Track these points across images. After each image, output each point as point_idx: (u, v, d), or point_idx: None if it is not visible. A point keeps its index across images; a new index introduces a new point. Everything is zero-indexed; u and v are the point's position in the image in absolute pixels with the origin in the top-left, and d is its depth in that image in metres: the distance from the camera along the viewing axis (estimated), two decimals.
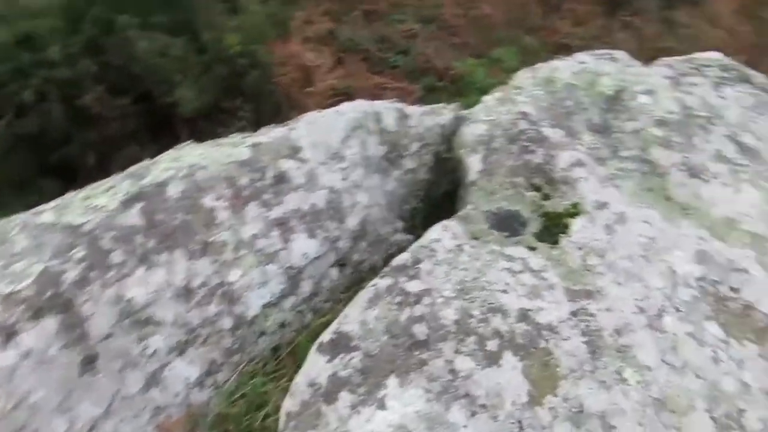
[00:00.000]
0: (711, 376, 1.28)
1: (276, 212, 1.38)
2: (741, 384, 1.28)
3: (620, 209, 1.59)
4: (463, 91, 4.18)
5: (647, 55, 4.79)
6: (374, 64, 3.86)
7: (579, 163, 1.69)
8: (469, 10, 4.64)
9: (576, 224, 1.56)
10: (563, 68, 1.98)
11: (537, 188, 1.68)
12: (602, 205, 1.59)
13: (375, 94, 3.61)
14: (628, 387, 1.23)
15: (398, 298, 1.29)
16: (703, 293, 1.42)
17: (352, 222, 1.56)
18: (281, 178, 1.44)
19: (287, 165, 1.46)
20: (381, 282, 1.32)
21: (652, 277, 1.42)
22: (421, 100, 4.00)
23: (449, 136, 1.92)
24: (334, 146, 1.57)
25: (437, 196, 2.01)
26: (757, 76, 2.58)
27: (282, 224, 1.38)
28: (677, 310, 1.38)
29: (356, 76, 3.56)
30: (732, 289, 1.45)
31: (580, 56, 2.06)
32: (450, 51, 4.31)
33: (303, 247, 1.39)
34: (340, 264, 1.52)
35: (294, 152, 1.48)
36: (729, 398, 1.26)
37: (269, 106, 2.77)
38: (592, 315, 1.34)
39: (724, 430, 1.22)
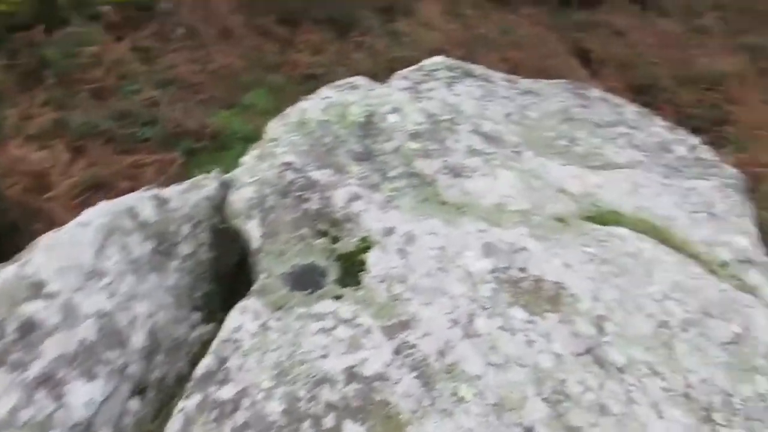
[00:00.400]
0: (530, 360, 1.34)
1: (34, 370, 1.13)
2: (555, 356, 1.36)
3: (406, 229, 1.60)
4: (226, 144, 4.03)
5: (384, 67, 5.12)
6: (121, 143, 3.53)
7: (355, 197, 1.67)
8: (205, 65, 4.50)
9: (371, 258, 1.54)
10: (311, 108, 1.96)
11: (324, 233, 1.63)
12: (389, 231, 1.59)
13: (132, 175, 3.30)
14: (467, 404, 1.23)
15: (214, 413, 1.13)
16: (499, 283, 1.49)
17: (138, 339, 1.35)
18: (28, 328, 1.18)
19: (32, 308, 1.20)
20: (188, 403, 1.15)
21: (453, 286, 1.45)
22: (185, 166, 3.77)
23: (220, 205, 1.78)
24: (88, 264, 1.34)
25: (229, 269, 1.87)
26: (477, 69, 2.87)
27: (47, 381, 1.13)
28: (483, 308, 1.42)
29: (103, 163, 3.21)
30: (520, 269, 1.54)
31: (324, 92, 2.06)
32: (199, 109, 4.13)
33: (83, 395, 1.16)
34: (139, 391, 1.30)
35: (36, 290, 1.23)
36: (550, 374, 1.33)
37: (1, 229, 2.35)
38: (413, 346, 1.32)
39: (555, 406, 1.27)
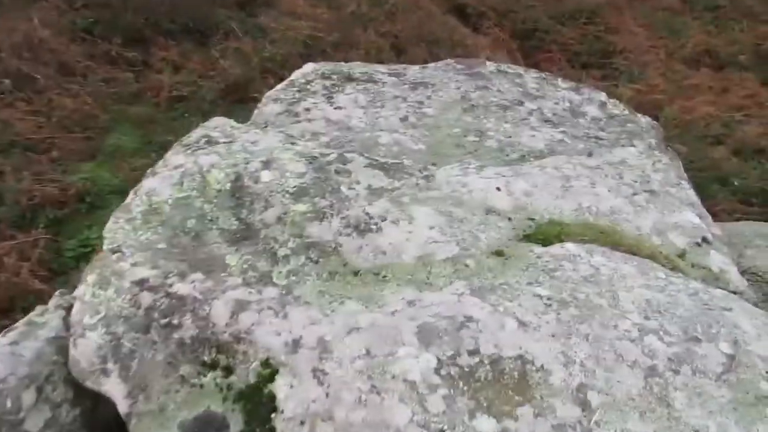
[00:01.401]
0: None
1: None
2: None
3: (317, 333, 1.20)
4: (97, 203, 3.42)
5: (258, 70, 4.58)
6: None
7: (242, 304, 1.25)
8: (50, 114, 3.81)
9: (281, 390, 1.13)
10: (160, 186, 1.49)
11: (212, 366, 1.20)
12: (296, 344, 1.19)
13: None
14: None
15: None
16: (451, 385, 1.13)
17: None
18: None
19: None
20: None
21: (396, 412, 1.07)
22: (52, 244, 3.15)
23: (66, 355, 1.30)
24: None
25: (113, 415, 1.40)
26: (355, 69, 2.44)
27: None
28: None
29: None
30: (471, 353, 1.19)
31: (172, 158, 1.59)
32: (54, 169, 3.48)
33: None
34: None
35: None
36: None
37: None
38: None
39: None
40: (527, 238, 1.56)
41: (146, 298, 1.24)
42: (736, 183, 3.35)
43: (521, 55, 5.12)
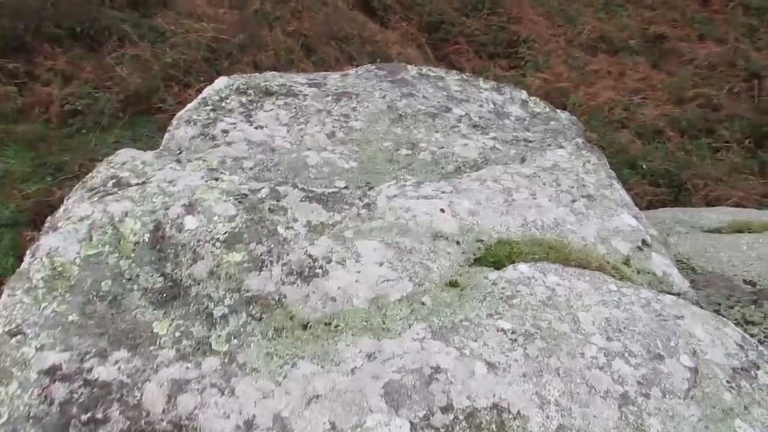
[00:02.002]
0: None
1: None
2: None
3: (274, 410, 1.04)
4: None
5: (160, 78, 4.19)
6: None
7: (179, 383, 1.06)
8: None
9: None
10: (64, 246, 1.25)
11: None
12: (249, 427, 1.02)
13: None
14: None
15: None
16: None
17: None
18: None
19: None
20: None
21: None
22: None
23: None
24: None
25: None
26: (272, 80, 2.24)
27: None
28: None
29: None
30: (444, 410, 1.07)
31: (77, 209, 1.34)
32: None
33: None
34: None
35: None
36: None
37: None
38: None
39: None
40: (479, 261, 1.47)
41: (60, 390, 1.02)
42: (644, 166, 3.47)
43: (430, 48, 5.07)
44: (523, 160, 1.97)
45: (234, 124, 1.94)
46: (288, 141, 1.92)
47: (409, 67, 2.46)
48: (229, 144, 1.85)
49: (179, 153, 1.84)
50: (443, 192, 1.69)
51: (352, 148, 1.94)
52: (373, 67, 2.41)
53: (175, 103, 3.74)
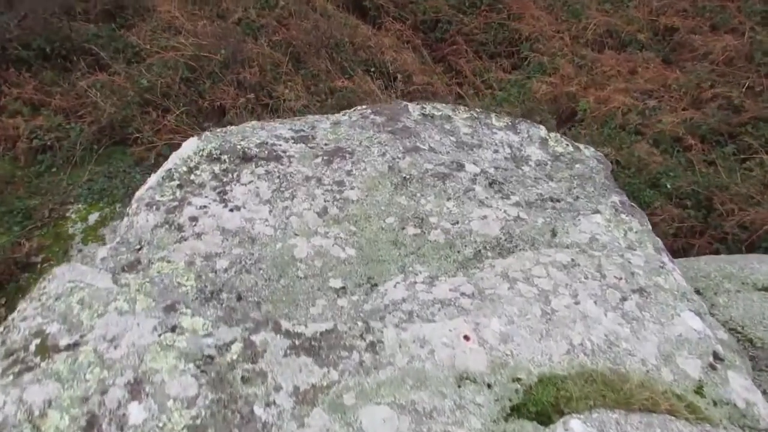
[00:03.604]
0: None
1: None
2: None
3: None
4: None
5: (134, 103, 3.76)
6: None
7: None
8: None
9: None
10: None
11: None
12: None
13: None
14: None
15: None
16: None
17: None
18: None
19: None
20: None
21: None
22: None
23: None
24: None
25: None
26: (251, 137, 1.85)
27: None
28: None
29: None
30: None
31: None
32: None
33: None
34: None
35: None
36: None
37: None
38: None
39: None
40: (517, 412, 1.11)
41: None
42: (668, 186, 3.09)
43: (427, 50, 4.64)
44: (554, 234, 1.60)
45: (205, 206, 1.57)
46: (271, 225, 1.54)
47: (410, 107, 2.07)
48: (198, 236, 1.48)
49: (139, 249, 1.47)
50: (464, 295, 1.33)
51: (349, 228, 1.57)
52: (369, 111, 2.01)
53: (153, 132, 3.34)
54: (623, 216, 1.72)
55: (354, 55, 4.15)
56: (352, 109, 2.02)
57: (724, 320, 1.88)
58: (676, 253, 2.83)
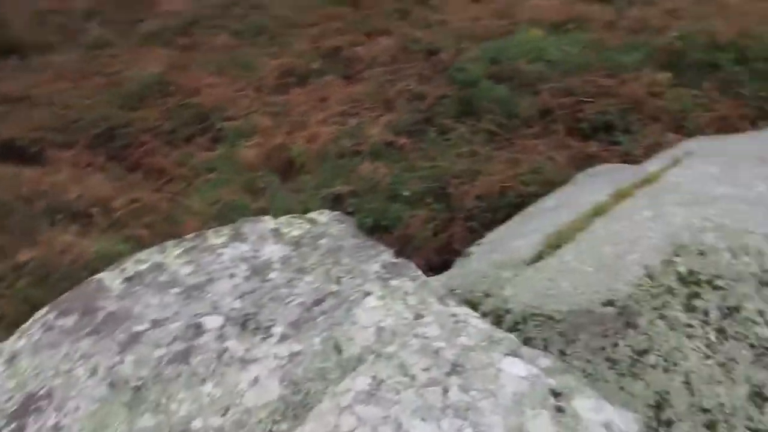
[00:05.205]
0: None
1: None
2: None
3: None
4: None
5: None
6: None
7: None
8: None
9: None
10: None
11: None
12: None
13: None
14: None
15: None
16: None
17: None
18: None
19: None
20: None
21: None
22: None
23: None
24: None
25: None
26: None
27: None
28: None
29: None
30: None
31: None
32: None
33: None
34: None
35: None
36: None
37: None
38: None
39: None
40: None
41: None
42: (405, 193, 3.11)
43: (117, 164, 4.00)
44: (339, 351, 1.31)
45: None
46: None
47: (105, 279, 1.57)
48: None
49: None
50: None
51: None
52: (53, 316, 1.46)
53: None
54: (393, 282, 1.53)
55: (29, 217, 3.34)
56: (28, 325, 1.44)
57: (522, 309, 1.83)
58: (442, 250, 2.84)
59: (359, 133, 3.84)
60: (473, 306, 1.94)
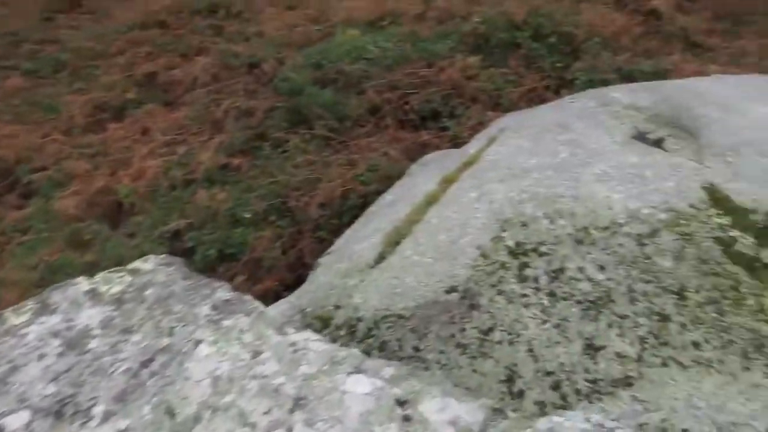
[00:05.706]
0: None
1: None
2: None
3: None
4: None
5: None
6: None
7: None
8: None
9: None
10: None
11: None
12: None
13: None
14: None
15: None
16: None
17: None
18: None
19: None
20: None
21: None
22: None
23: None
24: None
25: None
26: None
27: None
28: None
29: None
30: None
31: None
32: None
33: None
34: None
35: None
36: None
37: None
38: None
39: None
40: None
41: None
42: (246, 216, 2.96)
43: None
44: (172, 415, 1.17)
45: None
46: None
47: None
48: None
49: None
50: None
51: None
52: None
53: None
54: (225, 322, 1.41)
55: None
56: None
57: (372, 314, 1.80)
58: (294, 267, 2.75)
59: (190, 161, 3.60)
60: (325, 321, 1.88)
